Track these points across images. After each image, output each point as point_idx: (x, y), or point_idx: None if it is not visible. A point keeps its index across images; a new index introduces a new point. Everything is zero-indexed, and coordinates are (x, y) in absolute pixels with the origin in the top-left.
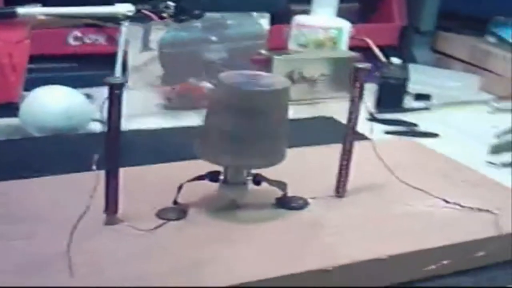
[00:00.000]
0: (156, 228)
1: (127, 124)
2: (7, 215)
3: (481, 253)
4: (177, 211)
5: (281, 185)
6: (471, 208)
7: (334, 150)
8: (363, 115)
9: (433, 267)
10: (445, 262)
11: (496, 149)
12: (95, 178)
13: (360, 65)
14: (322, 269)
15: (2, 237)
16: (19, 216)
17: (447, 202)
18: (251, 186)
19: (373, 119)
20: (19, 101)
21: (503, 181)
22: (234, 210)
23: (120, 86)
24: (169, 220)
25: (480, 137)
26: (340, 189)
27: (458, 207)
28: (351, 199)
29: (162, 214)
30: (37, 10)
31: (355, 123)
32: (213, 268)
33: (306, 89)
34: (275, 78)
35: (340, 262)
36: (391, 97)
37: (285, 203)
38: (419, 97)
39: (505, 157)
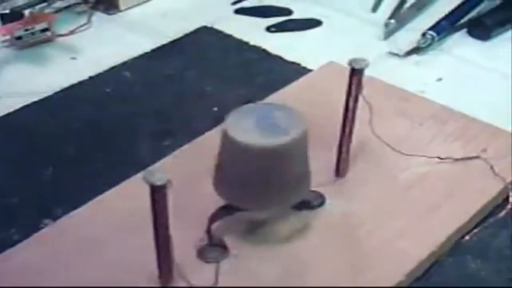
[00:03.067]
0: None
1: None
2: None
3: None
4: (217, 249)
5: (316, 195)
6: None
7: None
8: None
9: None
10: None
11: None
12: None
13: None
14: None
15: None
16: None
17: (441, 158)
18: None
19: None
20: None
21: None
22: (264, 229)
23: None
24: (216, 262)
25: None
26: (341, 169)
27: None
28: (355, 179)
29: (205, 256)
30: None
31: None
32: None
33: None
34: (290, 118)
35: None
36: None
37: (305, 203)
38: None
39: (402, 44)
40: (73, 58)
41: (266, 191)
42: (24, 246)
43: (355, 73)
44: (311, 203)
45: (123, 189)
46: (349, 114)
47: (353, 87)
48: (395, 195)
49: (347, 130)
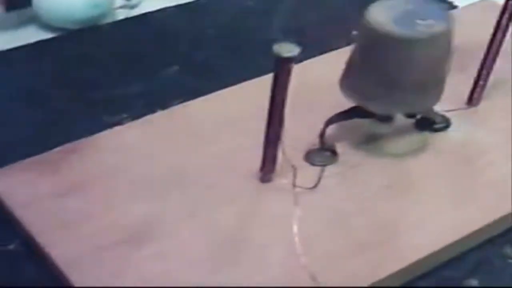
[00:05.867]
0: (317, 184)
1: None
2: None
3: None
4: (327, 154)
5: (442, 118)
6: None
7: None
8: None
9: None
10: None
11: None
12: None
13: None
14: None
15: None
16: None
17: None
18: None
19: None
20: None
21: None
22: (382, 143)
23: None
24: (323, 165)
25: None
26: (474, 98)
27: None
28: (486, 110)
29: (313, 159)
30: None
31: None
32: (398, 226)
33: None
34: (433, 10)
35: None
36: None
37: (427, 124)
38: None
39: None
40: None
41: (398, 89)
42: (133, 125)
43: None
44: (435, 124)
45: (242, 89)
46: (494, 45)
47: (504, 17)
48: None
49: (488, 60)
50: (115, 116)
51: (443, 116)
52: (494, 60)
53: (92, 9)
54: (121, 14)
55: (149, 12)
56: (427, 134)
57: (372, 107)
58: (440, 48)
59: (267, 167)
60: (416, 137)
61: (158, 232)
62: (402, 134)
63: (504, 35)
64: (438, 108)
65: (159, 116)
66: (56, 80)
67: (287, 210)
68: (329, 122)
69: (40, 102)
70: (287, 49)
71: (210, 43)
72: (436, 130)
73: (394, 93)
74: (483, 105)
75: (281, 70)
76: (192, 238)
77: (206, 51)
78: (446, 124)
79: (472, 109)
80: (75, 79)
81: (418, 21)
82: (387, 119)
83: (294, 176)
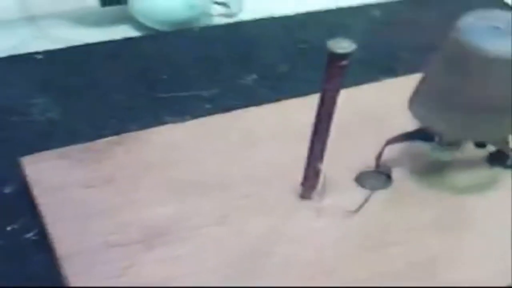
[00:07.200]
0: (360, 207)
1: None
2: None
3: None
4: (380, 177)
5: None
6: None
7: None
8: None
9: None
10: None
11: None
12: None
13: None
14: None
15: None
16: None
17: None
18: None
19: None
20: None
21: None
22: (444, 173)
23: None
24: (373, 190)
25: None
26: None
27: None
28: None
29: (364, 181)
30: None
31: None
32: (443, 262)
33: None
34: None
35: None
36: None
37: (501, 158)
38: None
39: None
40: None
41: (470, 111)
42: (184, 125)
43: None
44: (509, 159)
45: (306, 101)
46: None
47: None
48: None
49: None
50: (177, 117)
51: None
52: None
53: (187, 11)
54: (218, 20)
55: (244, 21)
56: (498, 170)
57: (438, 129)
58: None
59: (309, 182)
60: (484, 172)
61: (175, 236)
62: (468, 166)
63: None
64: None
65: (212, 119)
66: (130, 77)
67: (321, 230)
68: (389, 142)
69: (106, 95)
70: (342, 46)
71: (297, 57)
72: (510, 167)
73: (465, 115)
74: None
75: (333, 67)
76: (211, 245)
77: (290, 63)
78: None
79: None
80: (148, 78)
81: (502, 39)
82: (453, 145)
83: (335, 194)
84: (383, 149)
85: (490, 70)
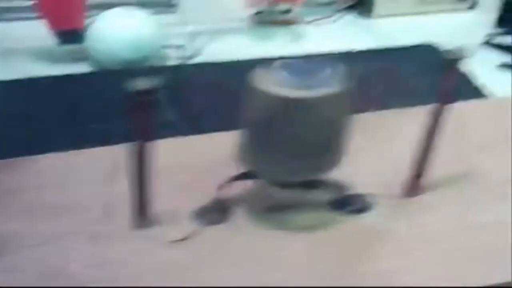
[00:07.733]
0: (189, 236)
1: None
2: None
3: None
4: (218, 212)
5: (338, 188)
6: None
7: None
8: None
9: None
10: None
11: None
12: None
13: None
14: None
15: None
16: None
17: None
18: None
19: (488, 43)
20: (83, 27)
21: None
22: (282, 213)
23: (149, 92)
24: (209, 224)
25: None
26: (412, 188)
27: None
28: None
29: (201, 215)
30: None
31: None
32: None
33: None
34: (329, 72)
35: None
36: None
37: (342, 205)
38: None
39: None
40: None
41: (286, 155)
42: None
43: None
44: (350, 205)
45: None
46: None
47: None
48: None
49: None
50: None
51: (365, 200)
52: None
53: (134, 53)
54: (173, 62)
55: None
56: (337, 216)
57: (262, 172)
58: (328, 110)
59: (140, 213)
60: (322, 217)
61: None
62: (307, 211)
63: None
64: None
65: None
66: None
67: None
68: (221, 187)
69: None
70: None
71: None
72: (350, 213)
73: (283, 157)
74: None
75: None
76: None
77: None
78: (364, 207)
79: (405, 199)
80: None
81: (306, 82)
82: (283, 186)
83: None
84: (219, 188)
85: (289, 111)
